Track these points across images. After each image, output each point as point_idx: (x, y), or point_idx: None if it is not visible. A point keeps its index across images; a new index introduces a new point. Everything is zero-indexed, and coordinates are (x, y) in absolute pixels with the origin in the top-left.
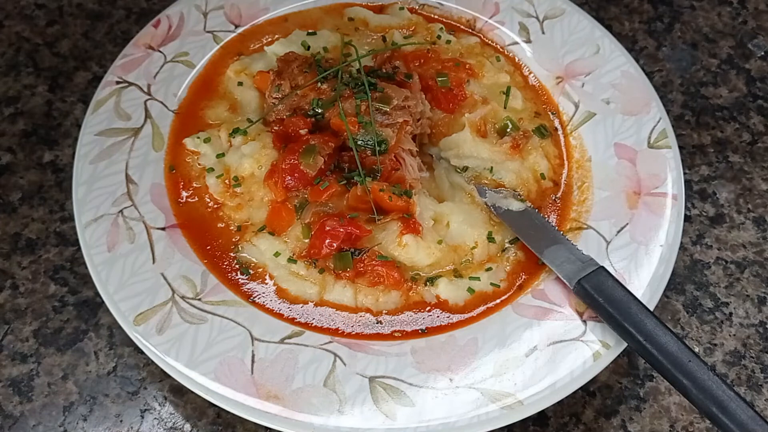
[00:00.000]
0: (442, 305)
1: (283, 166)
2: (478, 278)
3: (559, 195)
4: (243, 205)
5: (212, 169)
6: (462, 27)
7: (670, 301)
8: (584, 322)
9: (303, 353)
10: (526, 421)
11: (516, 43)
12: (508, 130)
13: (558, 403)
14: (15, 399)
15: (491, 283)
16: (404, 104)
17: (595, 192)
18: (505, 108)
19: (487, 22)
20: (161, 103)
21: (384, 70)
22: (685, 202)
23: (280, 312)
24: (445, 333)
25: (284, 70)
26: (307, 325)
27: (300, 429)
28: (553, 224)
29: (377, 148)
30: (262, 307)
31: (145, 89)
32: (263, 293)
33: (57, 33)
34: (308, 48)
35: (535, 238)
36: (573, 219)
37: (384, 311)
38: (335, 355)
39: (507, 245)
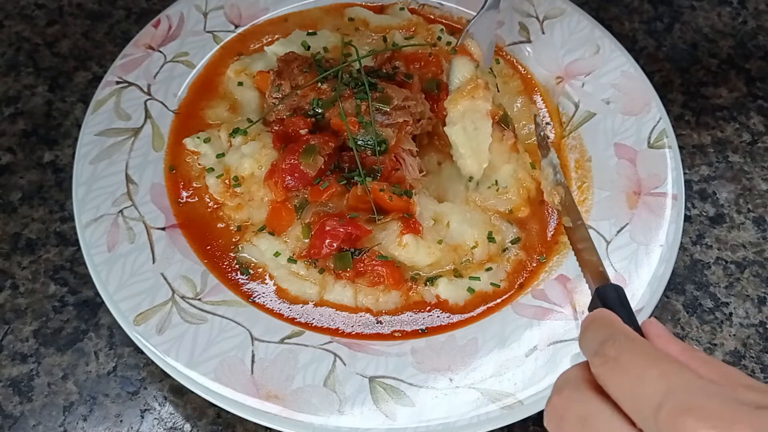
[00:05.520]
0: (442, 305)
1: (283, 166)
2: (478, 278)
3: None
4: (243, 205)
5: (212, 169)
6: (462, 27)
7: (670, 301)
8: None
9: (303, 353)
10: (526, 421)
11: (516, 43)
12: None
13: None
14: (15, 399)
15: (491, 283)
16: (404, 104)
17: (595, 192)
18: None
19: None
20: (161, 103)
21: (384, 70)
22: (685, 202)
23: (280, 312)
24: (445, 333)
25: (284, 70)
26: (307, 325)
27: (300, 429)
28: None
29: (377, 148)
30: (262, 307)
31: (145, 89)
32: (263, 293)
33: (57, 33)
34: (308, 48)
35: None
36: None
37: (384, 311)
38: (335, 355)
39: (507, 245)
